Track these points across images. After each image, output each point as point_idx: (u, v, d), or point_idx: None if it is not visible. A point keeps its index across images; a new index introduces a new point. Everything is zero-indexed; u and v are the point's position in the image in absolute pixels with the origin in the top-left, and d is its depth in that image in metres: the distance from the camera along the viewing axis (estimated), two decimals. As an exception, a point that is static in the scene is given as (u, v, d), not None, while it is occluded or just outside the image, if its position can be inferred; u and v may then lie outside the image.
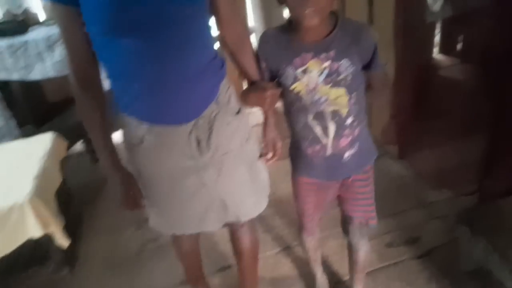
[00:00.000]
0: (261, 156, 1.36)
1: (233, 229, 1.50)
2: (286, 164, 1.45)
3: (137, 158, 1.22)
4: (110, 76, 1.13)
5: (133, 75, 1.08)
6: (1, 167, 2.03)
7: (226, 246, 1.61)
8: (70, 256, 2.13)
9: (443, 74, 2.35)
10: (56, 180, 2.11)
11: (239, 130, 1.26)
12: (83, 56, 1.09)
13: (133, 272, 2.05)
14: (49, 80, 2.66)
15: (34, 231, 1.76)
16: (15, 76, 2.58)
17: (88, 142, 3.14)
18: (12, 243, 1.77)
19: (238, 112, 1.26)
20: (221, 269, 1.97)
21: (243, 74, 1.28)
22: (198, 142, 1.18)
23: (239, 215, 1.35)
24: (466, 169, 2.04)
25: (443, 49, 2.73)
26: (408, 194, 2.29)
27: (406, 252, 1.93)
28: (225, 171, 1.24)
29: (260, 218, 2.18)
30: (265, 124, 1.37)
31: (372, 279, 1.81)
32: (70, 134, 2.59)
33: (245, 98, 1.26)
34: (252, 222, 1.52)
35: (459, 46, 2.70)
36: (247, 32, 1.25)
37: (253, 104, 1.25)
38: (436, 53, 2.74)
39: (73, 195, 2.47)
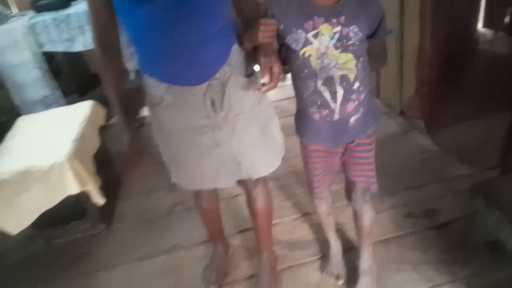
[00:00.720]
0: (262, 85, 1.19)
1: (248, 190, 1.60)
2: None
3: (157, 115, 1.35)
4: (132, 40, 1.24)
5: (151, 39, 1.18)
6: (45, 131, 2.22)
7: (247, 211, 1.72)
8: (106, 214, 2.31)
9: (474, 48, 2.29)
10: (94, 144, 2.28)
11: (251, 92, 1.34)
12: (106, 21, 1.22)
13: (162, 229, 2.22)
14: (91, 52, 2.80)
15: (72, 188, 1.94)
16: (59, 47, 2.77)
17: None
18: (54, 198, 1.96)
19: (250, 75, 1.34)
20: (241, 231, 2.09)
21: (246, 23, 1.30)
22: (213, 102, 1.28)
23: (251, 173, 1.44)
24: (489, 145, 2.01)
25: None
26: (431, 168, 2.30)
27: (423, 223, 1.95)
28: (237, 130, 1.34)
29: (281, 186, 2.29)
30: (259, 48, 1.20)
31: (385, 246, 1.86)
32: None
33: (244, 36, 1.25)
34: (266, 185, 1.62)
35: (502, 20, 2.58)
36: None
37: (251, 40, 1.20)
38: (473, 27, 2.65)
39: (112, 160, 2.64)
